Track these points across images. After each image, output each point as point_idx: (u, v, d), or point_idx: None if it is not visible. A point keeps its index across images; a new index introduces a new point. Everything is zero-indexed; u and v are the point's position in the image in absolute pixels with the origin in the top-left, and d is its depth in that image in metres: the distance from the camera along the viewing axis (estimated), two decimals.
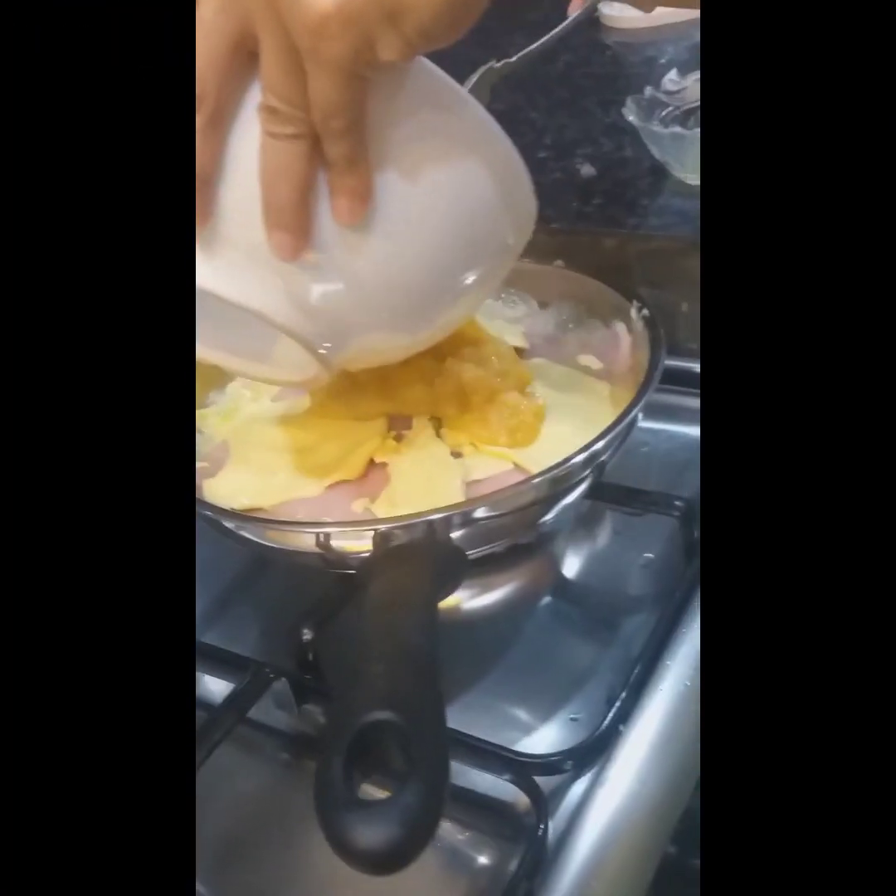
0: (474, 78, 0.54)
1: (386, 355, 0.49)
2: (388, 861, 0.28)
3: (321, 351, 0.44)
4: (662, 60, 0.93)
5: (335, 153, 0.38)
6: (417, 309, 0.44)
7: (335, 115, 0.37)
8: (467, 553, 0.46)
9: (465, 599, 0.53)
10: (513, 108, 0.86)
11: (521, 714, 0.47)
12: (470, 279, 0.45)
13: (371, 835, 0.28)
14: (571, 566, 0.55)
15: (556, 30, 0.57)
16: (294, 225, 0.39)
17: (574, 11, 0.57)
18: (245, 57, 0.37)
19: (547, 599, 0.53)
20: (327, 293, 0.42)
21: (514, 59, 0.56)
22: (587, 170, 0.75)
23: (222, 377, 0.62)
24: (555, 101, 0.92)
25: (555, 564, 0.55)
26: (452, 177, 0.41)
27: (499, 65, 0.55)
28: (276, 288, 0.41)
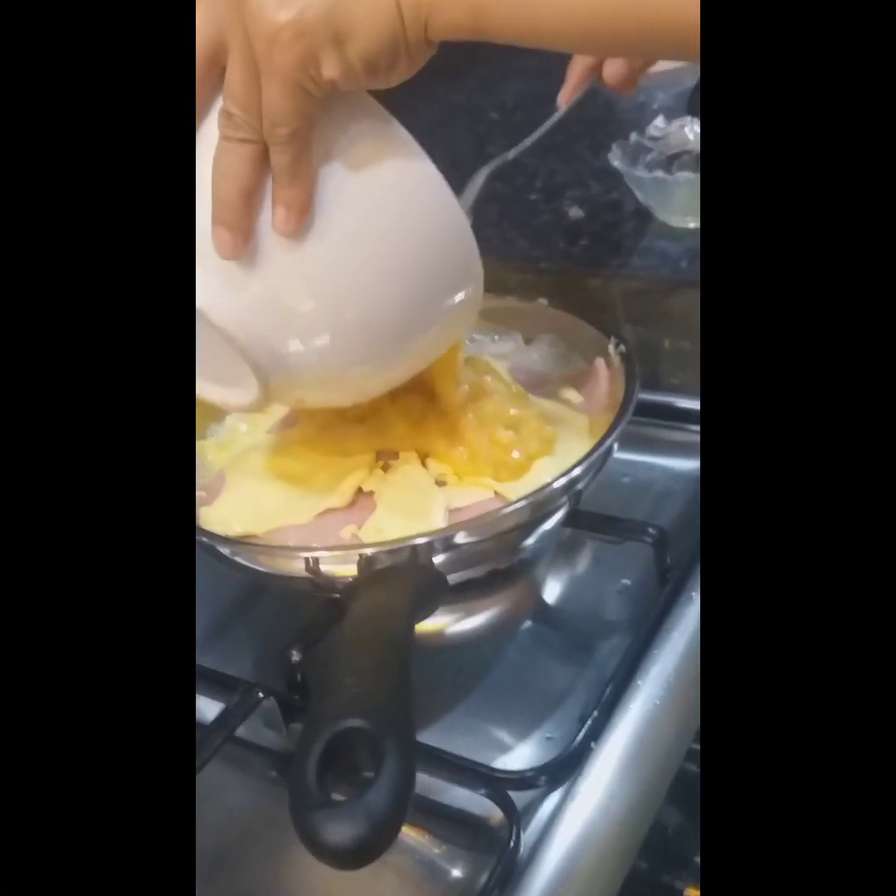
0: (479, 180, 0.57)
1: (337, 389, 0.49)
2: (354, 856, 0.30)
3: (261, 363, 0.45)
4: (654, 106, 0.96)
5: (278, 162, 0.41)
6: (351, 334, 0.45)
7: (280, 122, 0.40)
8: (450, 577, 0.48)
9: (449, 624, 0.55)
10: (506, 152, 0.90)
11: (500, 733, 0.49)
12: (408, 318, 0.46)
13: (339, 832, 0.30)
14: (552, 592, 0.57)
15: (550, 120, 0.59)
16: (235, 224, 0.42)
17: (563, 103, 0.59)
18: (220, 71, 0.41)
19: (528, 623, 0.55)
20: (264, 299, 0.44)
21: (511, 155, 0.58)
22: (575, 212, 0.78)
23: (221, 411, 0.64)
24: (547, 146, 0.95)
25: (536, 590, 0.57)
26: (390, 218, 0.44)
27: (495, 164, 0.58)
28: (218, 290, 0.43)
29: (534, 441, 0.54)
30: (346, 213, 0.43)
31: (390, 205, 0.44)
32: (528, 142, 0.59)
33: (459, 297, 0.47)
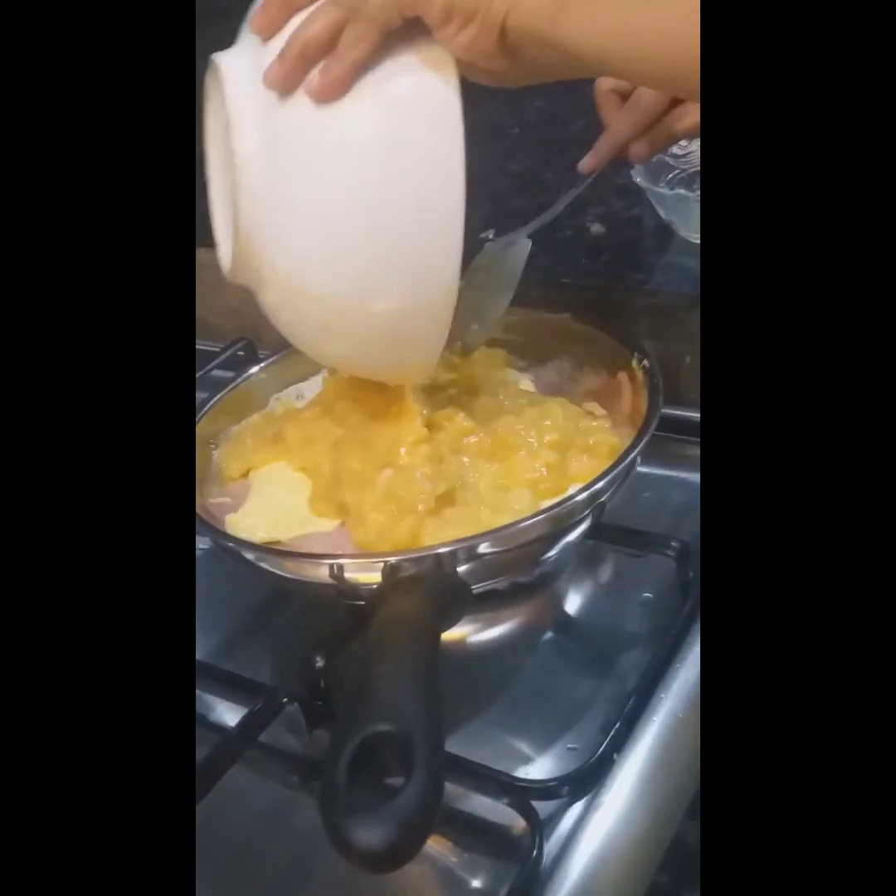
0: (521, 244, 0.58)
1: (293, 298, 0.50)
2: (384, 860, 0.30)
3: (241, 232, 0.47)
4: None
5: (345, 37, 0.44)
6: (320, 234, 0.47)
7: (368, 8, 0.43)
8: (473, 587, 0.48)
9: (472, 633, 0.56)
10: (529, 168, 0.91)
11: (522, 743, 0.49)
12: (373, 255, 0.47)
13: (370, 835, 0.31)
14: (573, 603, 0.57)
15: (576, 190, 0.60)
16: (289, 62, 0.45)
17: (586, 171, 0.60)
18: None
19: (549, 634, 0.56)
20: (267, 146, 0.46)
21: (530, 229, 0.60)
22: (597, 228, 0.78)
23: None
24: (570, 162, 0.96)
25: (558, 602, 0.58)
26: (398, 151, 0.45)
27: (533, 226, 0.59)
28: (250, 116, 0.46)
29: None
30: (366, 124, 0.45)
31: (404, 143, 0.45)
32: (548, 215, 0.61)
33: (431, 273, 0.47)
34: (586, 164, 0.60)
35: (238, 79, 0.47)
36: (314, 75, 0.45)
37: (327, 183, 0.46)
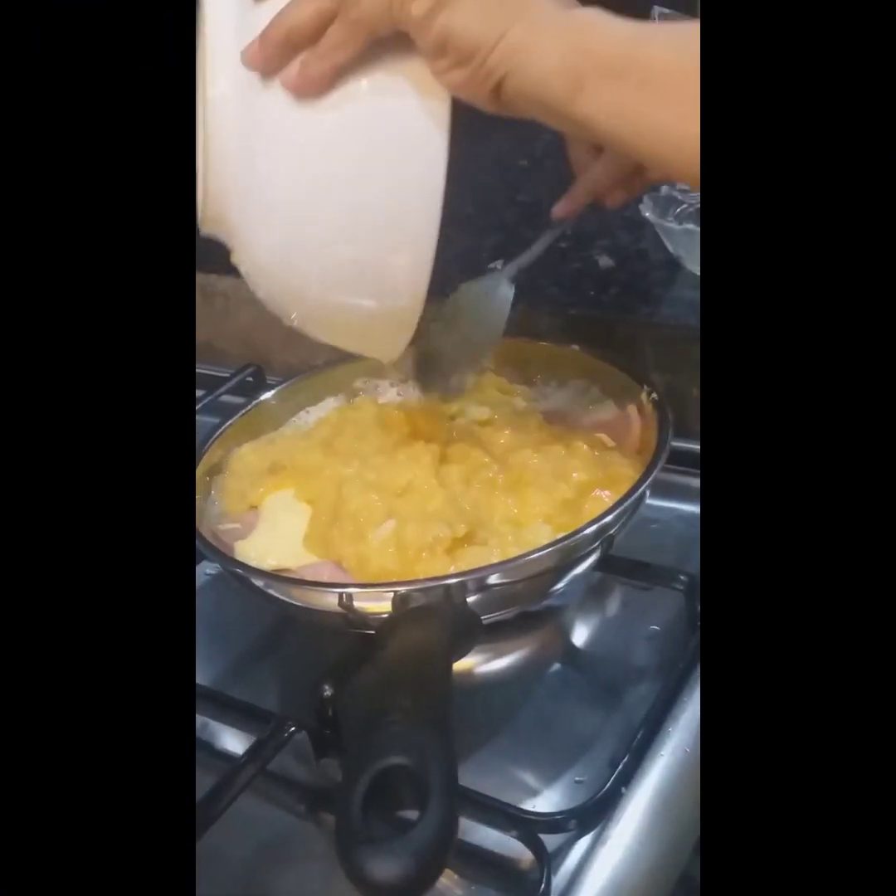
0: (503, 287, 0.57)
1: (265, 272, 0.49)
2: (400, 893, 0.30)
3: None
4: None
5: (331, 32, 0.43)
6: (281, 215, 0.46)
7: (360, 5, 0.42)
8: (482, 617, 0.49)
9: (478, 664, 0.56)
10: (536, 200, 0.92)
11: (529, 775, 0.49)
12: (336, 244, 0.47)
13: (385, 869, 0.31)
14: (580, 635, 0.57)
15: (550, 235, 0.58)
16: (270, 47, 0.44)
17: (560, 217, 0.57)
18: None
19: (556, 666, 0.56)
20: (243, 129, 0.46)
21: (510, 272, 0.58)
22: (605, 261, 0.79)
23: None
24: None
25: (565, 633, 0.58)
26: (370, 156, 0.45)
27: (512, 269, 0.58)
28: (226, 88, 0.45)
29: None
30: (343, 135, 0.45)
31: (380, 166, 0.45)
32: (533, 251, 0.58)
33: (393, 258, 0.47)
34: (560, 209, 0.57)
35: (220, 14, 0.45)
36: (293, 68, 0.44)
37: (298, 175, 0.46)
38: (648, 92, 0.38)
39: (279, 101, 0.45)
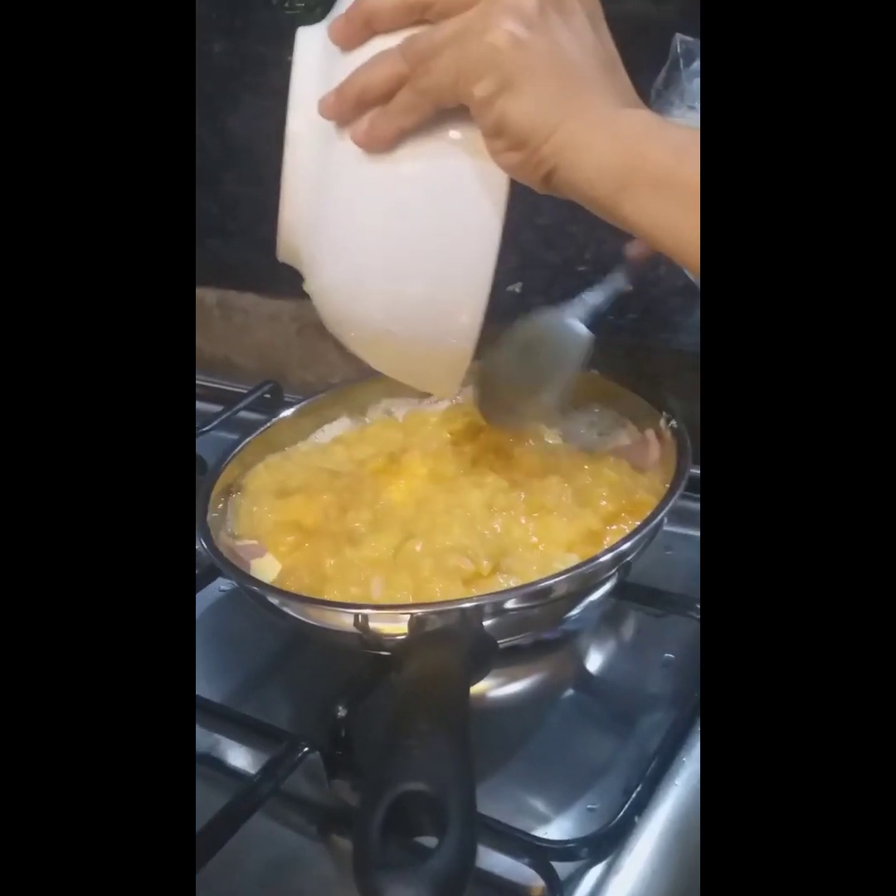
0: (578, 326, 0.57)
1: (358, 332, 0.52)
2: None
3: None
4: None
5: (402, 94, 0.45)
6: (370, 279, 0.49)
7: (432, 73, 0.44)
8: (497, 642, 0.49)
9: (492, 689, 0.56)
10: (556, 222, 0.92)
11: (541, 802, 0.49)
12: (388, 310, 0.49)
13: (404, 895, 0.31)
14: (595, 662, 0.57)
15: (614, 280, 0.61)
16: (344, 100, 0.46)
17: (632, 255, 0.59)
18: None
19: (570, 692, 0.56)
20: (314, 175, 0.48)
21: (581, 313, 0.58)
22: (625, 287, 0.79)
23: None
24: (597, 217, 0.98)
25: (579, 659, 0.58)
26: (428, 220, 0.47)
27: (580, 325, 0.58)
28: (307, 128, 0.48)
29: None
30: (409, 187, 0.47)
31: (439, 222, 0.47)
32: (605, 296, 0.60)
33: (450, 300, 0.49)
34: (633, 249, 0.59)
35: (308, 59, 0.48)
36: (363, 123, 0.46)
37: (362, 220, 0.48)
38: (690, 206, 0.39)
39: (348, 149, 0.47)
